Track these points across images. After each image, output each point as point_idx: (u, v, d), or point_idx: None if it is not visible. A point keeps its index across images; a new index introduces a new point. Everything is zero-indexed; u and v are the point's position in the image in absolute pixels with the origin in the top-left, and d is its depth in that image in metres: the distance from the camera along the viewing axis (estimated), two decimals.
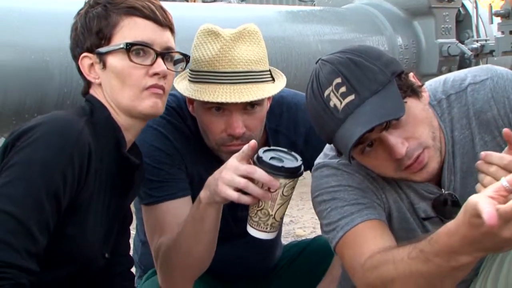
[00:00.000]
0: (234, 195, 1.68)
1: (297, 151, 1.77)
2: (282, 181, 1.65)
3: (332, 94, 1.57)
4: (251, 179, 1.66)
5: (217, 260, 1.93)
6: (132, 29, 1.68)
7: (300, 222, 4.91)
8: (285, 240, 3.10)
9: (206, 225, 1.81)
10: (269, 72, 2.00)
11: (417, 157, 1.60)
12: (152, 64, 1.69)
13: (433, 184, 1.71)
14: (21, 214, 1.46)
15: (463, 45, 5.10)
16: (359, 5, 5.17)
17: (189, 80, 1.99)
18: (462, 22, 5.38)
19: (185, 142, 2.04)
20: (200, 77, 1.94)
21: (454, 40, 5.11)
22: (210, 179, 1.76)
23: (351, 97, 1.55)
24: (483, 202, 1.23)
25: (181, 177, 2.01)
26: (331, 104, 1.57)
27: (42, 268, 1.50)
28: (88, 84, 1.74)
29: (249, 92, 1.90)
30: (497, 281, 1.68)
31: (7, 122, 3.10)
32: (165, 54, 1.72)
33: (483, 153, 1.50)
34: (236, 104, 1.90)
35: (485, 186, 1.42)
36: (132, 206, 1.93)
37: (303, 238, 3.84)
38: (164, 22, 1.72)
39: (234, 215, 2.07)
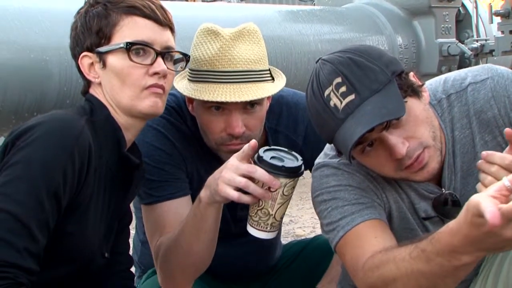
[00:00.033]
0: (234, 195, 1.68)
1: (297, 151, 1.77)
2: (283, 180, 1.65)
3: (332, 93, 1.56)
4: (252, 179, 1.66)
5: (217, 260, 1.92)
6: (132, 29, 1.68)
7: (300, 222, 4.91)
8: (284, 240, 3.10)
9: (206, 225, 1.81)
10: (268, 72, 1.99)
11: (417, 156, 1.59)
12: (152, 64, 1.68)
13: (433, 184, 1.71)
14: (21, 213, 1.46)
15: (463, 45, 5.11)
16: (359, 5, 5.17)
17: (188, 79, 1.98)
18: (462, 22, 5.38)
19: (185, 141, 2.04)
20: (199, 76, 1.94)
21: (454, 39, 5.12)
22: (211, 178, 1.76)
23: (351, 96, 1.55)
24: (486, 201, 1.23)
25: (181, 176, 2.01)
26: (331, 104, 1.56)
27: (42, 267, 1.50)
28: (88, 83, 1.74)
29: (248, 91, 1.90)
30: (497, 281, 1.68)
31: (7, 121, 3.10)
32: (165, 53, 1.71)
33: (484, 153, 1.50)
34: (235, 103, 1.89)
35: (486, 186, 1.42)
36: (131, 206, 1.93)
37: (302, 237, 3.83)
38: (164, 21, 1.72)
39: (234, 214, 2.07)
